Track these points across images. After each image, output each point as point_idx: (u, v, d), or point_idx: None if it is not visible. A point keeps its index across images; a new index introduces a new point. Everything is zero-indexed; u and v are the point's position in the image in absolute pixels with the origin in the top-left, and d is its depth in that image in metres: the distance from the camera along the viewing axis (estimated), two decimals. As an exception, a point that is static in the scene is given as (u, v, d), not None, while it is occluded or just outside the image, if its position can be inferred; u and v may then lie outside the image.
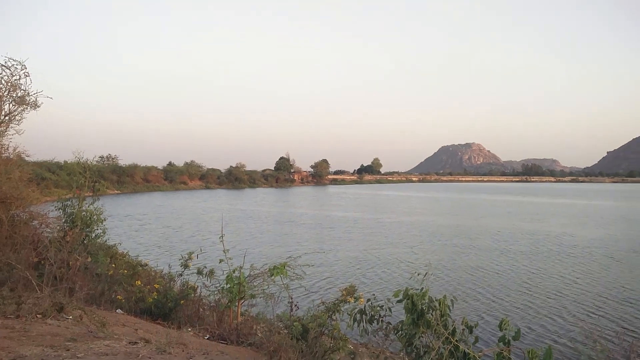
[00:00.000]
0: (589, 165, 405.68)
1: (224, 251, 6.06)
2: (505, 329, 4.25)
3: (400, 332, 4.54)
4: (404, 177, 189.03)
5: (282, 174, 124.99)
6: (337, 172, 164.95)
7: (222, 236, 6.35)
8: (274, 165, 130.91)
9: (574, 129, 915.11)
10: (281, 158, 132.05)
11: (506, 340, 4.23)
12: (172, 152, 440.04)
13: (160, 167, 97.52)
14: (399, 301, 4.51)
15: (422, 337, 4.26)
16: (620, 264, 18.93)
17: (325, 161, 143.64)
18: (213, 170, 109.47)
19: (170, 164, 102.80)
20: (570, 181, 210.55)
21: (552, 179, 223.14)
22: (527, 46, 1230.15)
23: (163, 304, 6.73)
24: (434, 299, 4.38)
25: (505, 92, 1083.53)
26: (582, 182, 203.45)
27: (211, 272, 6.85)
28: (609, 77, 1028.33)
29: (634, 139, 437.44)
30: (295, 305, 5.80)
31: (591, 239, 26.27)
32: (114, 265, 8.37)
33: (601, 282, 15.90)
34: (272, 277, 6.18)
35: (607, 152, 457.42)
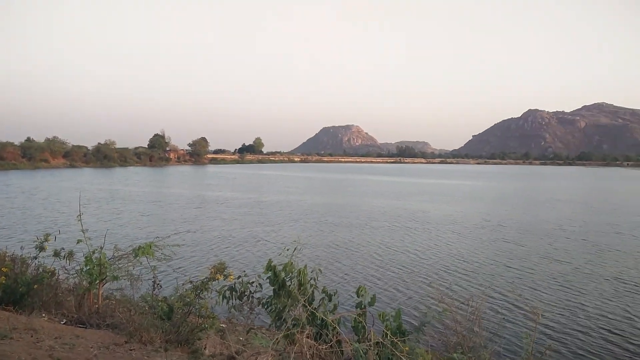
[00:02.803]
0: (457, 148, 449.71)
1: (82, 231, 5.73)
2: (362, 295, 4.74)
3: (270, 307, 4.77)
4: (286, 157, 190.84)
5: (156, 152, 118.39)
6: (217, 151, 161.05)
7: (79, 215, 5.98)
8: (148, 142, 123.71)
9: (443, 114, 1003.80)
10: (155, 135, 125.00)
11: (362, 306, 4.73)
12: (32, 127, 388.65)
13: (17, 143, 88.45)
14: (269, 277, 4.73)
15: (292, 310, 4.53)
16: (465, 238, 21.54)
17: (204, 139, 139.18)
18: (79, 147, 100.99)
19: (28, 139, 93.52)
20: (439, 162, 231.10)
21: (424, 160, 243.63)
22: (404, 36, 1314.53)
23: (13, 289, 6.15)
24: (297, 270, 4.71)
25: (380, 77, 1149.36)
26: (450, 163, 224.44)
27: (70, 254, 6.42)
28: (475, 66, 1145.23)
29: (495, 124, 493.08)
30: (159, 285, 5.73)
31: (444, 215, 29.43)
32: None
33: (448, 254, 17.95)
34: (137, 258, 6.01)
35: (473, 136, 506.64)
